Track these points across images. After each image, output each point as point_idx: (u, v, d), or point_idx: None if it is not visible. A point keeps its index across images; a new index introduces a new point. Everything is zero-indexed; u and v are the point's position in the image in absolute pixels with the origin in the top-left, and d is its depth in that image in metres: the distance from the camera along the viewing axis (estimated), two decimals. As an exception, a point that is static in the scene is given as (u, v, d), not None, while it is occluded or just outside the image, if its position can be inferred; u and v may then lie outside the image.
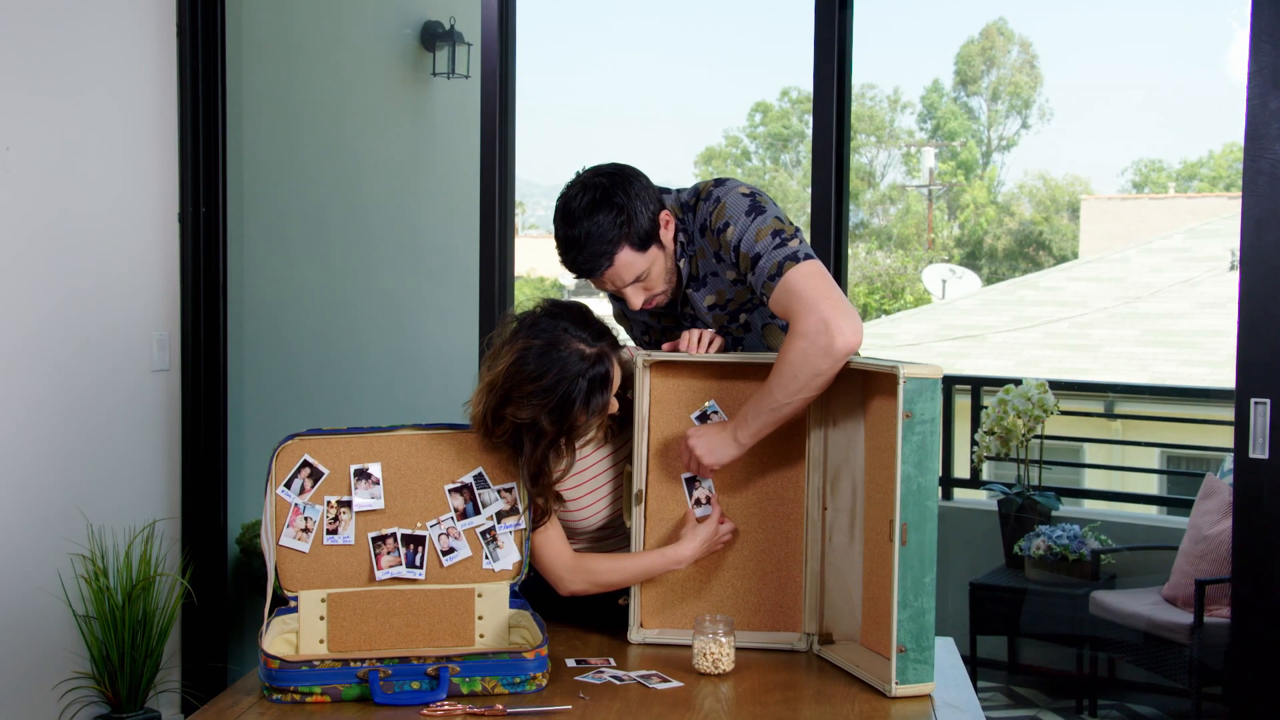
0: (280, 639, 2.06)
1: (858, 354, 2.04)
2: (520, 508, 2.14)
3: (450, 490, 2.13)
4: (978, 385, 5.65)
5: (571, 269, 2.18)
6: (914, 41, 27.80)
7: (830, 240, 3.14)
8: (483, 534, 2.13)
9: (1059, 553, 4.40)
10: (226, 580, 3.93)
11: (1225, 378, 8.18)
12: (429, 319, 5.31)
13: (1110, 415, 7.63)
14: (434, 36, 5.24)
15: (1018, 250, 19.85)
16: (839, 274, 3.17)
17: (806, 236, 2.15)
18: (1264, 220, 2.55)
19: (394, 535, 2.11)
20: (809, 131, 3.28)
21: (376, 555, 2.11)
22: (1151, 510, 5.82)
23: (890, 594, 1.94)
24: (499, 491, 2.13)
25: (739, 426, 2.11)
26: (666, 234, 2.20)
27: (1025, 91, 21.35)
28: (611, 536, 2.32)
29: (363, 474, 2.11)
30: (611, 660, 2.11)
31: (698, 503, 2.22)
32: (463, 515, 2.13)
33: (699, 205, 2.21)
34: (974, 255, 19.90)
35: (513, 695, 1.92)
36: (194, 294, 3.77)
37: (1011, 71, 21.45)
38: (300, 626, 2.08)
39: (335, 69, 4.84)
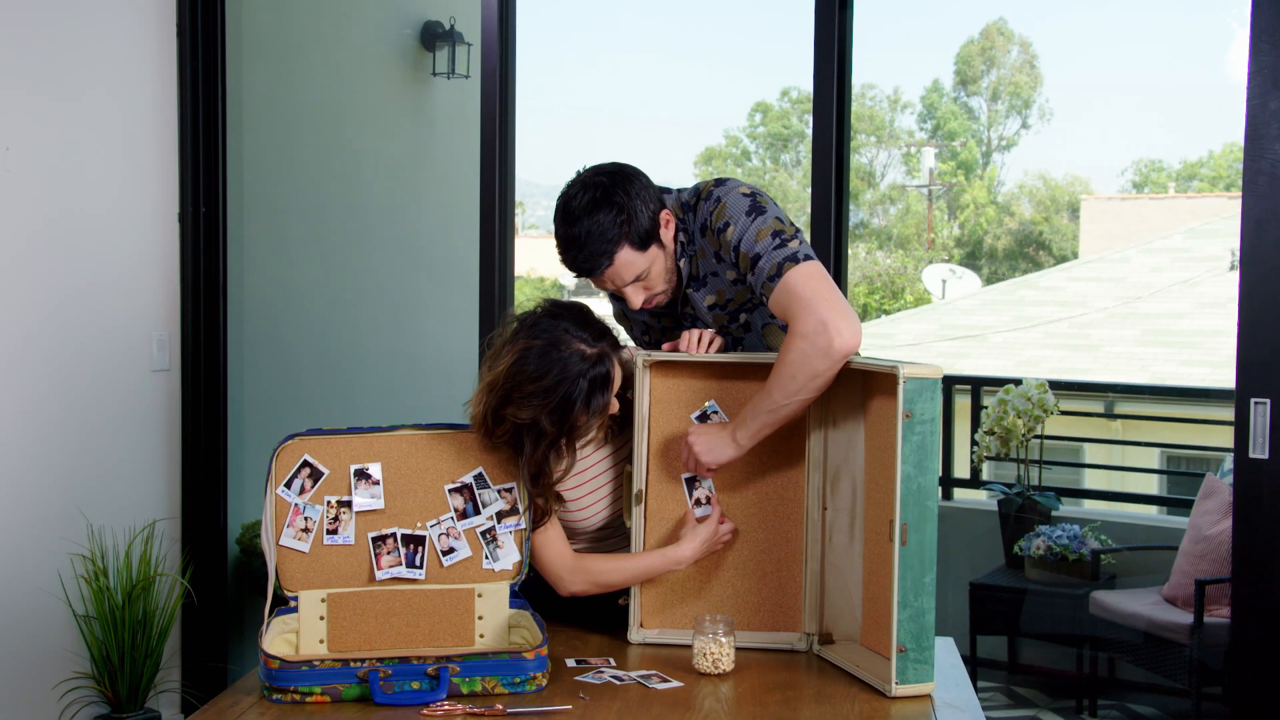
0: (280, 639, 2.06)
1: (858, 354, 2.04)
2: (520, 508, 2.13)
3: (450, 490, 2.13)
4: (978, 385, 5.65)
5: (571, 268, 2.18)
6: (914, 41, 27.80)
7: (830, 240, 3.14)
8: (483, 534, 2.13)
9: (1059, 553, 4.40)
10: (226, 580, 3.93)
11: (1225, 378, 8.18)
12: (429, 319, 5.31)
13: (1110, 415, 7.63)
14: (434, 36, 5.24)
15: (1018, 250, 19.84)
16: (839, 274, 3.17)
17: (807, 236, 2.15)
18: (1264, 220, 2.55)
19: (394, 535, 2.11)
20: (809, 131, 3.28)
21: (376, 555, 2.11)
22: (1151, 510, 5.82)
23: (890, 594, 1.94)
24: (499, 491, 2.13)
25: (738, 427, 2.11)
26: (667, 233, 2.20)
27: (1025, 91, 21.34)
28: (612, 537, 2.32)
29: (363, 474, 2.11)
30: (611, 660, 2.11)
31: (698, 503, 2.22)
32: (463, 515, 2.13)
33: (699, 205, 2.21)
34: (974, 255, 19.90)
35: (513, 695, 1.92)
36: (194, 294, 3.77)
37: (1011, 71, 21.45)
38: (300, 626, 2.08)
39: (335, 69, 4.84)
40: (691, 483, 2.22)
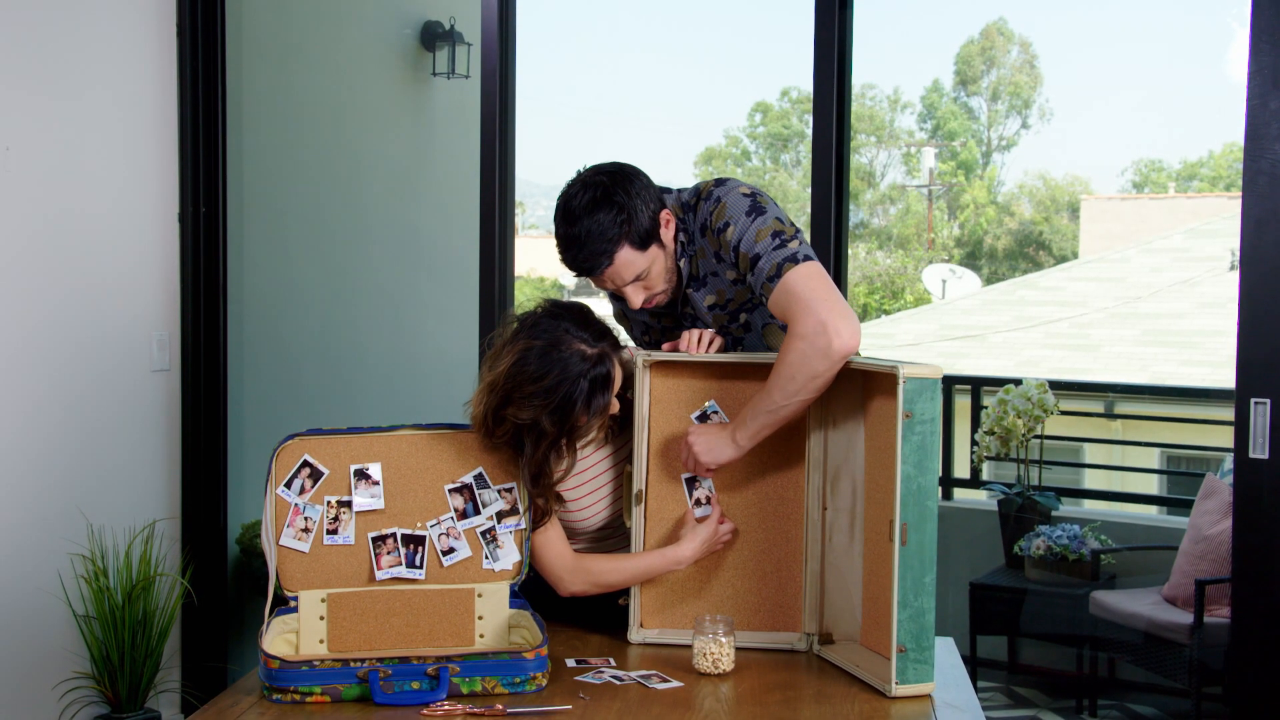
0: (280, 639, 2.06)
1: (858, 354, 2.04)
2: (520, 508, 2.13)
3: (450, 490, 2.13)
4: (978, 385, 5.65)
5: (571, 267, 2.18)
6: (914, 41, 27.80)
7: (830, 240, 3.14)
8: (483, 534, 2.13)
9: (1059, 553, 4.40)
10: (226, 580, 3.93)
11: (1225, 378, 8.18)
12: (429, 319, 5.31)
13: (1110, 415, 7.63)
14: (434, 36, 5.24)
15: (1018, 250, 19.84)
16: (839, 274, 3.17)
17: (807, 236, 2.15)
18: (1264, 220, 2.55)
19: (394, 535, 2.11)
20: (809, 131, 3.28)
21: (376, 555, 2.11)
22: (1151, 510, 5.82)
23: (890, 594, 1.94)
24: (499, 491, 2.13)
25: (738, 428, 2.12)
26: (667, 233, 2.20)
27: (1025, 91, 21.35)
28: (612, 537, 2.32)
29: (363, 474, 2.11)
30: (611, 660, 2.11)
31: (698, 503, 2.22)
32: (463, 515, 2.13)
33: (699, 205, 2.21)
34: (974, 255, 19.90)
35: (513, 695, 1.92)
36: (194, 294, 3.77)
37: (1011, 71, 21.45)
38: (300, 626, 2.08)
39: (335, 69, 4.84)
40: (691, 483, 2.22)
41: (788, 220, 2.14)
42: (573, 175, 2.20)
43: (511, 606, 2.13)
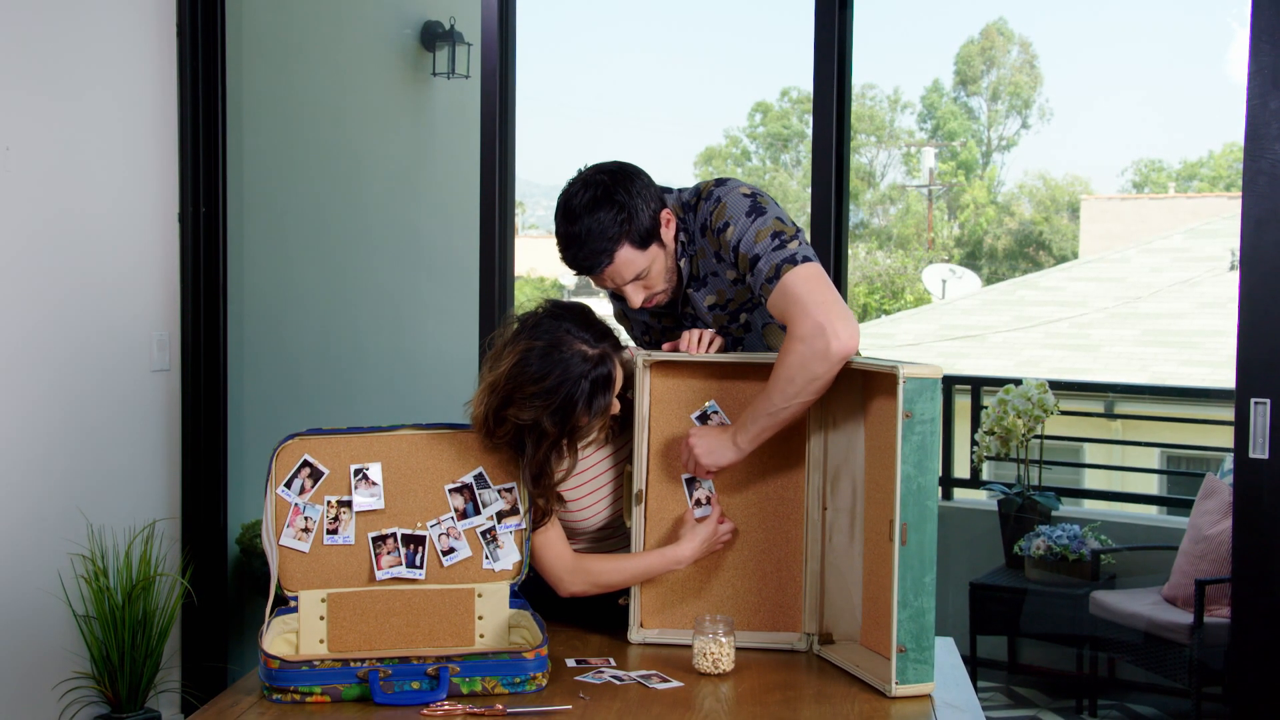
0: (280, 639, 2.06)
1: (858, 354, 2.04)
2: (520, 508, 2.13)
3: (450, 490, 2.13)
4: (978, 385, 5.65)
5: (572, 266, 2.18)
6: (914, 41, 27.80)
7: (830, 240, 3.14)
8: (483, 534, 2.13)
9: (1059, 553, 4.40)
10: (226, 580, 3.93)
11: (1225, 378, 8.18)
12: (429, 319, 5.31)
13: (1110, 415, 7.63)
14: (434, 36, 5.24)
15: (1018, 250, 19.84)
16: (839, 274, 3.17)
17: (807, 236, 2.15)
18: (1264, 220, 2.55)
19: (394, 535, 2.11)
20: (809, 131, 3.28)
21: (376, 555, 2.11)
22: (1151, 510, 5.82)
23: (890, 594, 1.94)
24: (499, 491, 2.13)
25: (739, 430, 2.12)
26: (667, 233, 2.20)
27: (1025, 91, 21.34)
28: (612, 537, 2.32)
29: (362, 474, 2.11)
30: (611, 660, 2.11)
31: (698, 503, 2.22)
32: (463, 515, 2.13)
33: (700, 205, 2.21)
34: (974, 255, 19.90)
35: (513, 695, 1.92)
36: (194, 294, 3.77)
37: (1011, 71, 21.45)
38: (300, 626, 2.08)
39: (335, 69, 4.84)
40: (691, 483, 2.22)
41: (788, 220, 2.14)
42: (573, 174, 2.21)
43: (511, 606, 2.13)
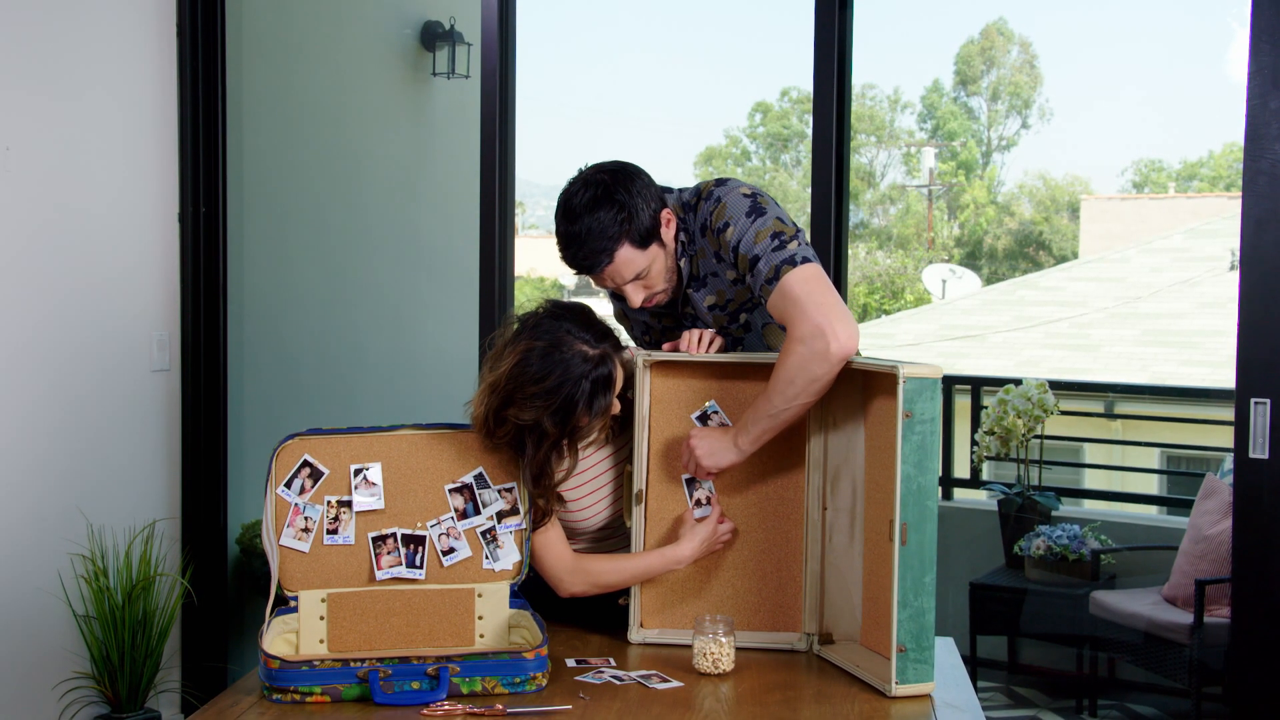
0: (280, 639, 2.06)
1: (858, 354, 2.04)
2: (521, 508, 2.13)
3: (450, 490, 2.13)
4: (978, 385, 5.65)
5: (572, 265, 2.18)
6: (914, 41, 27.80)
7: (830, 240, 3.14)
8: (483, 534, 2.13)
9: (1059, 553, 4.40)
10: (226, 580, 3.93)
11: (1225, 378, 8.18)
12: (429, 319, 5.31)
13: (1110, 415, 7.63)
14: (434, 36, 5.24)
15: (1018, 250, 19.84)
16: (839, 274, 3.17)
17: (807, 236, 2.15)
18: (1264, 220, 2.55)
19: (394, 535, 2.11)
20: (809, 131, 3.28)
21: (376, 555, 2.11)
22: (1151, 510, 5.82)
23: (890, 594, 1.94)
24: (499, 491, 2.13)
25: (740, 432, 2.12)
26: (668, 232, 2.20)
27: (1025, 91, 21.34)
28: (612, 537, 2.32)
29: (362, 474, 2.11)
30: (611, 660, 2.11)
31: (698, 503, 2.22)
32: (463, 515, 2.13)
33: (700, 205, 2.21)
34: (974, 255, 19.90)
35: (513, 695, 1.92)
36: (194, 294, 3.77)
37: (1011, 71, 21.45)
38: (300, 626, 2.08)
39: (335, 69, 4.84)
40: (691, 483, 2.22)
41: (788, 220, 2.14)
42: (574, 174, 2.21)
43: (511, 606, 2.13)
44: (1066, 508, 5.05)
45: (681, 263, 2.25)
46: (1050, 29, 24.45)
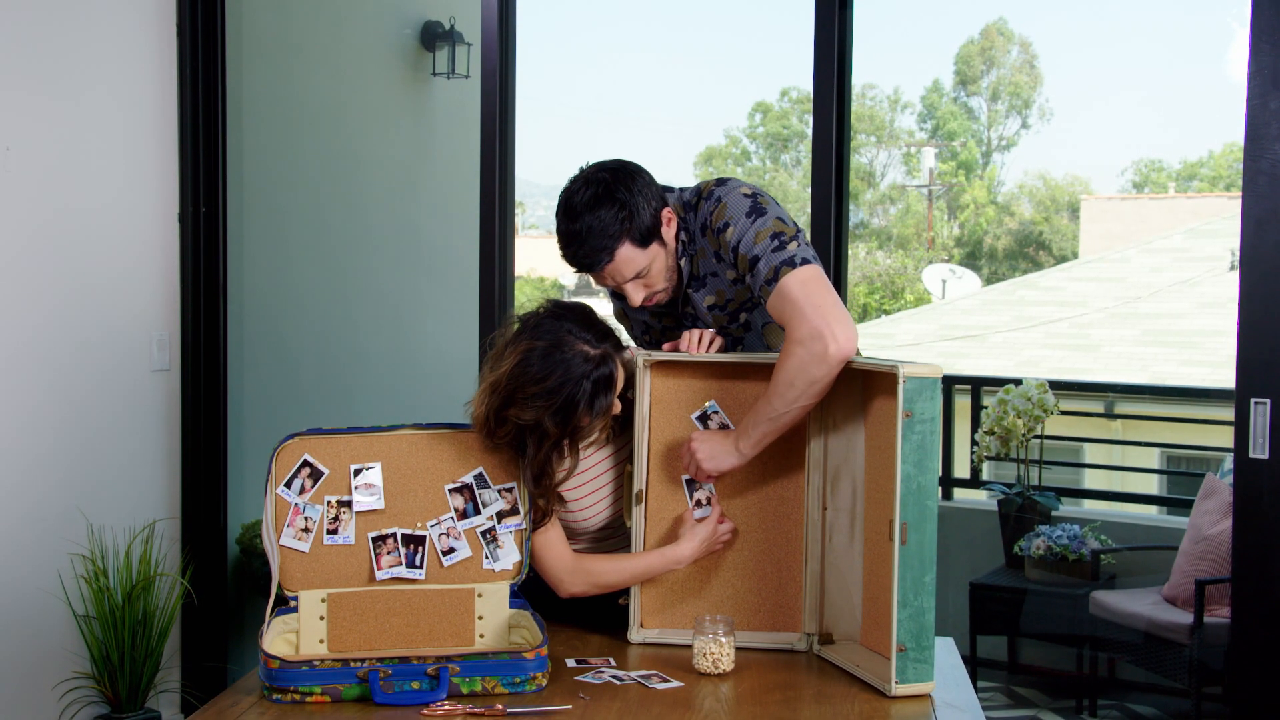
0: (280, 639, 2.06)
1: (857, 354, 2.04)
2: (521, 508, 2.13)
3: (450, 490, 2.13)
4: (978, 385, 5.65)
5: (572, 263, 2.18)
6: (914, 41, 27.80)
7: (830, 240, 3.14)
8: (483, 534, 2.13)
9: (1059, 553, 4.40)
10: (226, 580, 3.93)
11: (1225, 378, 8.18)
12: (429, 319, 5.31)
13: (1110, 415, 7.63)
14: (434, 36, 5.24)
15: (1018, 250, 19.85)
16: (839, 274, 3.17)
17: (807, 236, 2.15)
18: (1264, 220, 2.55)
19: (394, 535, 2.11)
20: (809, 131, 3.28)
21: (376, 555, 2.11)
22: (1151, 510, 5.82)
23: (890, 593, 1.94)
24: (499, 491, 2.13)
25: (741, 436, 2.12)
26: (668, 231, 2.20)
27: (1025, 91, 21.35)
28: (612, 537, 2.31)
29: (362, 474, 2.11)
30: (611, 660, 2.11)
31: (698, 504, 2.22)
32: (463, 515, 2.13)
33: (700, 204, 2.21)
34: (974, 255, 19.90)
35: (513, 695, 1.92)
36: (194, 294, 3.77)
37: (1011, 71, 21.45)
38: (300, 626, 2.08)
39: (335, 69, 4.84)
40: (691, 484, 2.22)
41: (789, 220, 2.14)
42: (575, 172, 2.21)
43: (511, 606, 2.13)
44: (1066, 508, 5.05)
45: (682, 262, 2.25)
46: (1050, 29, 24.46)
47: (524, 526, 2.14)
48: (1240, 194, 2.60)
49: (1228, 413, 2.75)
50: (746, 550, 2.23)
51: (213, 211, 3.78)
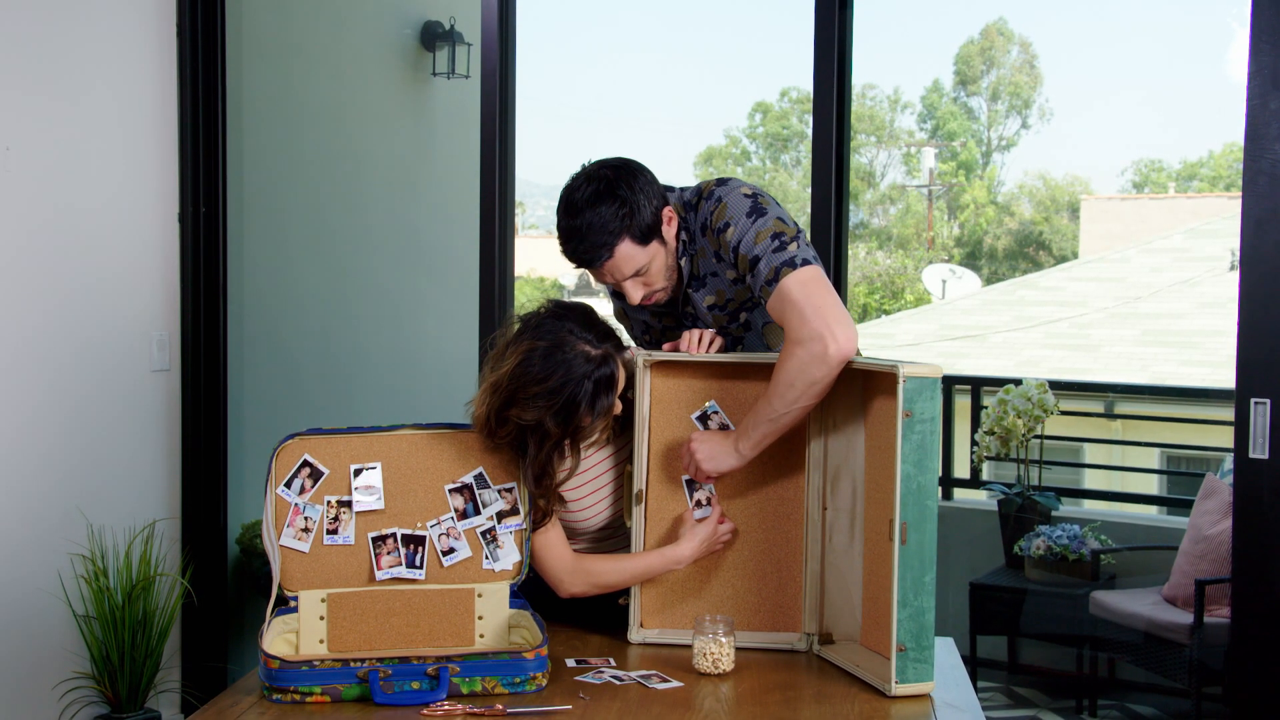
0: (280, 639, 2.06)
1: (858, 354, 2.04)
2: (521, 508, 2.13)
3: (450, 490, 2.13)
4: (978, 385, 5.65)
5: (571, 259, 2.18)
6: (914, 41, 27.80)
7: (830, 240, 3.14)
8: (483, 534, 2.13)
9: (1059, 553, 4.40)
10: (226, 580, 3.93)
11: (1225, 378, 8.18)
12: (429, 319, 5.31)
13: (1110, 415, 7.63)
14: (434, 36, 5.24)
15: (1018, 250, 19.84)
16: (839, 274, 3.17)
17: (807, 236, 2.15)
18: (1264, 220, 2.55)
19: (394, 535, 2.11)
20: (809, 131, 3.28)
21: (376, 555, 2.11)
22: (1151, 510, 5.82)
23: (890, 593, 1.94)
24: (499, 491, 2.13)
25: (741, 437, 2.12)
26: (669, 230, 2.20)
27: (1025, 91, 21.34)
28: (612, 537, 2.31)
29: (362, 474, 2.11)
30: (611, 660, 2.11)
31: (698, 504, 2.22)
32: (463, 515, 2.13)
33: (701, 204, 2.21)
34: (974, 255, 19.90)
35: (513, 695, 1.92)
36: (194, 294, 3.77)
37: (1011, 71, 21.45)
38: (300, 626, 2.08)
39: (335, 69, 4.84)
40: (692, 484, 2.22)
41: (789, 220, 2.14)
42: (577, 169, 2.21)
43: (511, 606, 2.13)
44: (1066, 508, 5.05)
45: (682, 262, 2.25)
46: (1050, 29, 24.46)
47: (524, 527, 2.14)
48: (1240, 194, 2.60)
49: (1228, 413, 2.75)
50: (746, 550, 2.23)
51: (213, 211, 3.78)
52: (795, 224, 2.14)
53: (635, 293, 2.21)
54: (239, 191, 3.96)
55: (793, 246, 2.08)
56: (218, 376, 3.82)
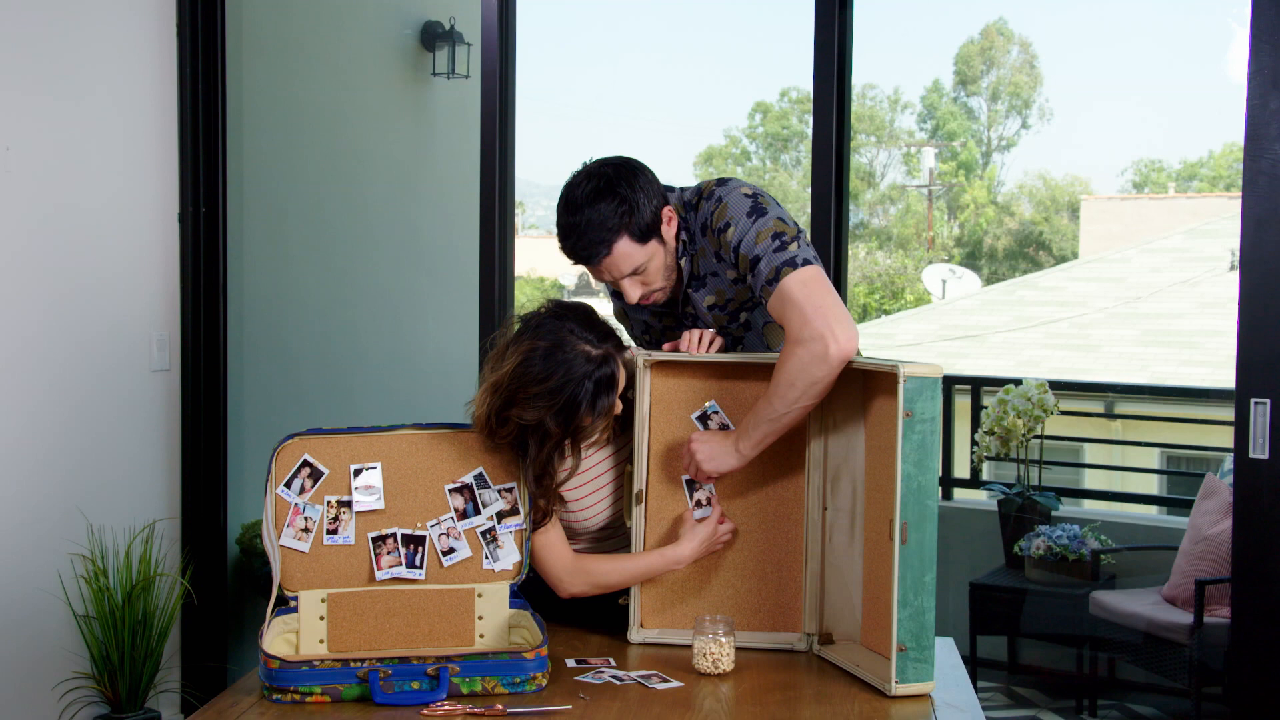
0: (280, 639, 2.06)
1: (858, 354, 2.04)
2: (521, 508, 2.13)
3: (450, 490, 2.13)
4: (978, 385, 5.65)
5: (570, 256, 2.18)
6: (914, 41, 27.81)
7: (830, 240, 3.14)
8: (483, 534, 2.13)
9: (1059, 553, 4.40)
10: (226, 580, 3.93)
11: (1225, 378, 8.18)
12: (429, 319, 5.31)
13: (1110, 415, 7.63)
14: (434, 36, 5.24)
15: (1018, 250, 19.85)
16: (839, 274, 3.17)
17: (808, 236, 2.15)
18: (1264, 220, 2.55)
19: (394, 535, 2.11)
20: (809, 131, 3.28)
21: (376, 555, 2.11)
22: (1151, 510, 5.82)
23: (890, 593, 1.94)
24: (499, 491, 2.13)
25: (741, 437, 2.12)
26: (669, 230, 2.20)
27: (1025, 91, 21.35)
28: (612, 537, 2.31)
29: (362, 474, 2.11)
30: (611, 660, 2.11)
31: (698, 504, 2.22)
32: (463, 515, 2.13)
33: (701, 204, 2.22)
34: (974, 255, 19.90)
35: (513, 695, 1.92)
36: (194, 294, 3.77)
37: (1011, 71, 21.45)
38: (300, 626, 2.08)
39: (335, 69, 4.84)
40: (692, 484, 2.22)
41: (790, 220, 2.14)
42: (578, 167, 2.21)
43: (511, 606, 2.13)
44: (1066, 508, 5.05)
45: (682, 262, 2.25)
46: (1050, 29, 24.46)
47: (524, 527, 2.14)
48: (1240, 194, 2.60)
49: (1228, 413, 2.75)
50: (746, 550, 2.23)
51: (213, 211, 3.78)
52: (795, 224, 2.14)
53: (633, 291, 2.21)
54: (239, 191, 3.96)
55: (793, 246, 2.08)
56: (218, 376, 3.82)
